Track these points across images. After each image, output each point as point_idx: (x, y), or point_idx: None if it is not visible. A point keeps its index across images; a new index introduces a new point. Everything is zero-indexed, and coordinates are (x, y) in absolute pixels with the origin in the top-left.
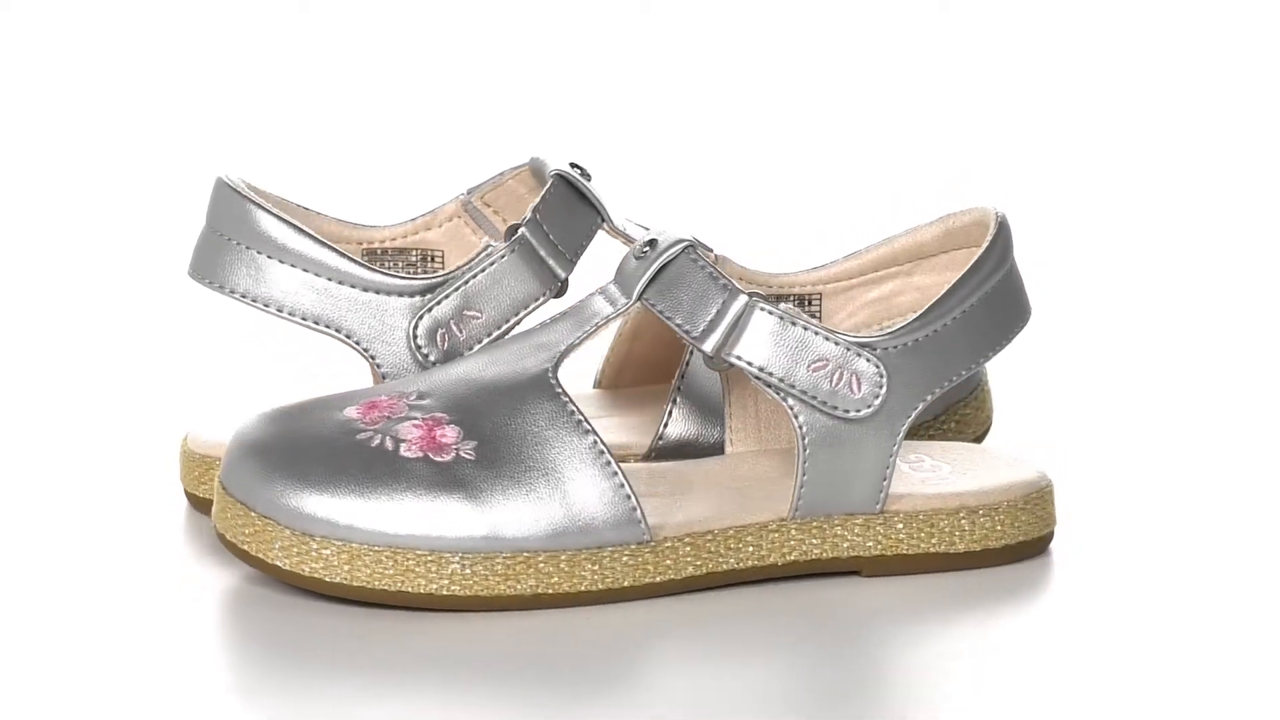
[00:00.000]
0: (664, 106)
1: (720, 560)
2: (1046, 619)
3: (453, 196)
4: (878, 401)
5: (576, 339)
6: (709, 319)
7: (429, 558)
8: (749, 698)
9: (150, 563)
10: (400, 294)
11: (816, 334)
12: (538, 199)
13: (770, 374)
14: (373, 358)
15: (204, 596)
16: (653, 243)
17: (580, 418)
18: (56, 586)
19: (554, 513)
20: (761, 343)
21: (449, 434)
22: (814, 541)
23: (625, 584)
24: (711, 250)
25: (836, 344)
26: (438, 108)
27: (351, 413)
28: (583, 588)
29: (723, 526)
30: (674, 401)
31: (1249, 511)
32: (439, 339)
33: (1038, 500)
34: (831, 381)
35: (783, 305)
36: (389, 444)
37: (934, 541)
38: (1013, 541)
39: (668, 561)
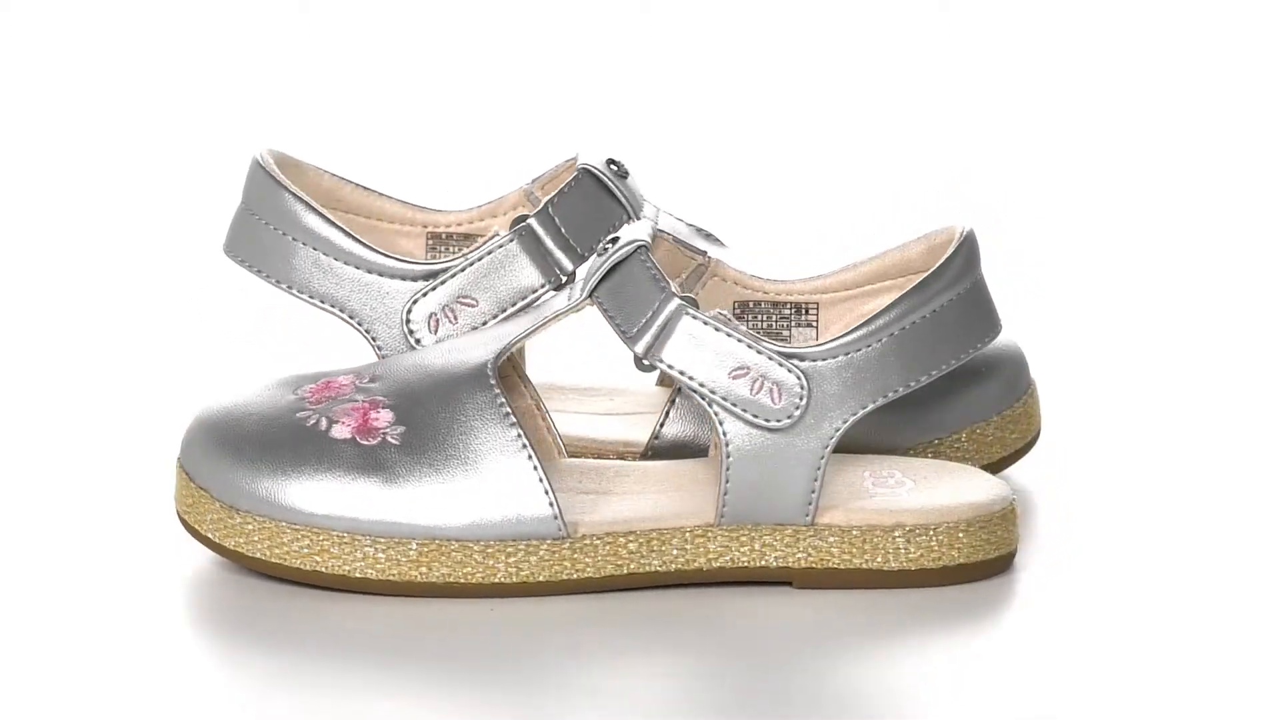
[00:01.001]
0: (663, 106)
1: (643, 562)
2: (985, 643)
3: (516, 186)
4: (797, 413)
5: (523, 333)
6: (644, 321)
7: (344, 539)
8: (642, 699)
9: (130, 540)
10: (403, 277)
11: (739, 341)
12: (555, 191)
13: (692, 379)
14: (373, 340)
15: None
16: (615, 240)
17: (508, 410)
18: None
19: (470, 503)
20: (685, 347)
21: (382, 418)
22: (741, 550)
23: (541, 579)
24: (705, 253)
25: (759, 353)
26: (493, 100)
27: (304, 391)
28: (496, 579)
29: (646, 528)
30: (673, 402)
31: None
32: (431, 324)
33: (987, 523)
34: (751, 390)
35: (714, 311)
36: (323, 424)
37: (865, 558)
38: (951, 564)
39: (585, 559)
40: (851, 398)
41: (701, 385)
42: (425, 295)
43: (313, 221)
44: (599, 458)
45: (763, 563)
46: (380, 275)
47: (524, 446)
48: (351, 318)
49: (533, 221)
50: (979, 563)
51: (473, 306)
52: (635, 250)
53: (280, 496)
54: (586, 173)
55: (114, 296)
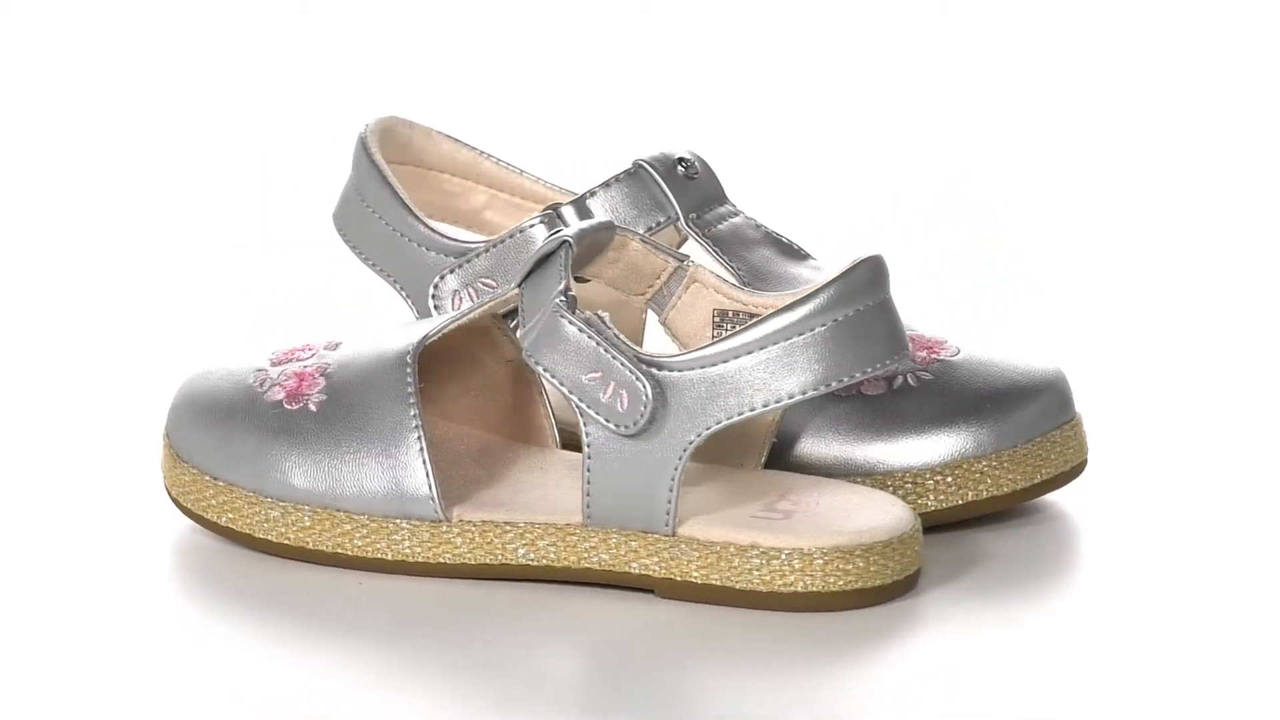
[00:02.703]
0: (663, 106)
1: (514, 553)
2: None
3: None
4: (643, 420)
5: (454, 319)
6: (536, 317)
7: (252, 499)
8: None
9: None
10: (442, 253)
11: (598, 345)
12: (600, 182)
13: (554, 377)
14: (416, 312)
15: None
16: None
17: (411, 393)
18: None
19: (359, 476)
20: (552, 346)
21: (315, 385)
22: (608, 553)
23: (419, 559)
24: (685, 257)
25: (613, 358)
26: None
27: (277, 353)
28: (378, 555)
29: (520, 520)
30: None
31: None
32: (455, 301)
33: (848, 555)
34: (604, 393)
35: (590, 313)
36: (264, 385)
37: (719, 575)
38: (803, 590)
39: (458, 543)
40: (709, 411)
41: (562, 385)
42: (451, 272)
43: (383, 193)
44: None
45: (627, 568)
46: (427, 250)
47: (416, 428)
48: (401, 289)
49: (567, 209)
50: (837, 593)
51: (493, 288)
52: (559, 246)
53: (206, 450)
54: (639, 167)
55: (115, 296)
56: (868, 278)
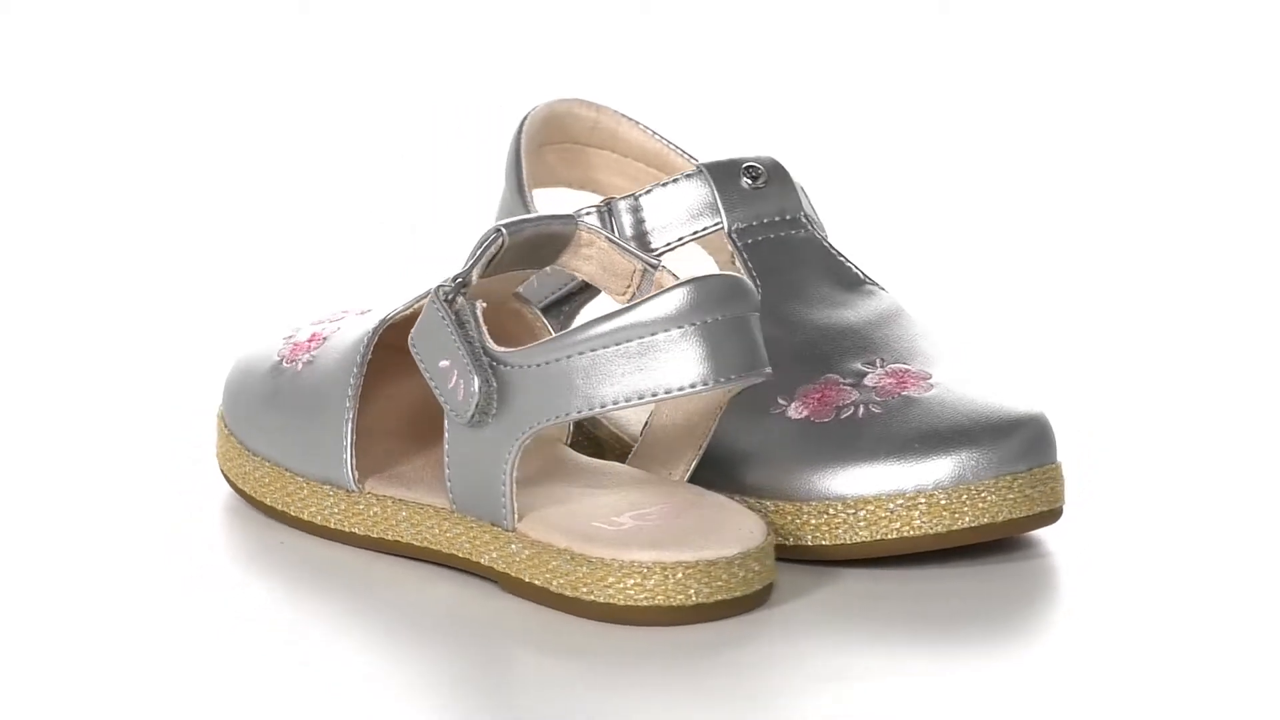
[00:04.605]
0: (662, 106)
1: (403, 530)
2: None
3: None
4: (475, 411)
5: (410, 304)
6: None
7: (238, 450)
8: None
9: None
10: None
11: (451, 335)
12: (661, 182)
13: (420, 361)
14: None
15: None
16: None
17: (358, 363)
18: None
19: (300, 439)
20: (424, 332)
21: (310, 348)
22: (466, 542)
23: (335, 525)
24: (656, 262)
25: (459, 348)
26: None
27: (316, 319)
28: (305, 517)
29: (412, 499)
30: None
31: None
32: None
33: (669, 570)
34: (449, 381)
35: (466, 302)
36: (284, 349)
37: (540, 576)
38: (602, 600)
39: (360, 510)
40: (542, 408)
41: (426, 371)
42: None
43: (508, 184)
44: None
45: (480, 559)
46: None
47: (350, 396)
48: None
49: (622, 203)
50: (662, 607)
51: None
52: (492, 237)
53: (226, 407)
54: (700, 170)
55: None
56: (699, 300)
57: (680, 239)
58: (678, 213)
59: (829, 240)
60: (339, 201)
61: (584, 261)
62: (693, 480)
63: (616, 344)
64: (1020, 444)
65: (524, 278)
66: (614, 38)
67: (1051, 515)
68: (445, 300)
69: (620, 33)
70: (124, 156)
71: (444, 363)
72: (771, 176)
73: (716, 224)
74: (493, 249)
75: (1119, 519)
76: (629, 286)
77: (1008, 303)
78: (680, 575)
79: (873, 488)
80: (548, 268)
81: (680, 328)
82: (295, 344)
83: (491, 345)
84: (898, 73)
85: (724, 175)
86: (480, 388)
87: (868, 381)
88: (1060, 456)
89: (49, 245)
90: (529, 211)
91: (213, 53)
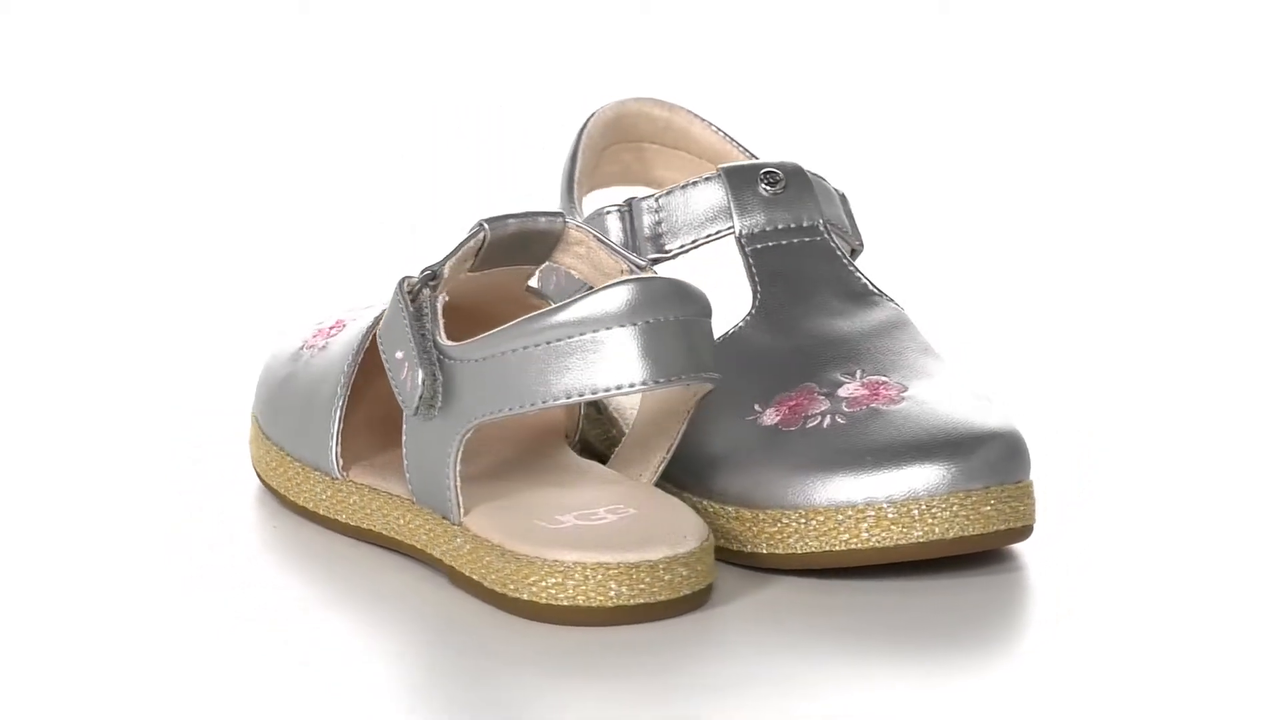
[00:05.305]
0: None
1: (376, 519)
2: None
3: None
4: (419, 404)
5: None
6: None
7: (261, 436)
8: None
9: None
10: None
11: (406, 327)
12: (681, 184)
13: (383, 353)
14: None
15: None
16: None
17: (352, 358)
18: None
19: (297, 424)
20: (384, 324)
21: (329, 335)
22: (423, 532)
23: (321, 511)
24: (642, 265)
25: (411, 340)
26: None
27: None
28: (300, 502)
29: (384, 489)
30: None
31: None
32: None
33: (572, 571)
34: (402, 372)
35: (432, 294)
36: (308, 334)
37: (478, 573)
38: (526, 598)
39: (342, 498)
40: (483, 402)
41: (385, 362)
42: None
43: (563, 172)
44: None
45: (431, 550)
46: None
47: (343, 385)
48: None
49: (642, 204)
50: (596, 608)
51: None
52: (473, 231)
53: (256, 393)
54: (719, 174)
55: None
56: (642, 299)
57: (694, 241)
58: (693, 216)
59: (843, 249)
60: (339, 201)
61: (576, 259)
62: (672, 482)
63: (557, 339)
64: (981, 461)
65: (529, 272)
66: (614, 38)
67: (1015, 534)
68: (407, 292)
69: (620, 33)
70: (123, 157)
71: (399, 354)
72: (791, 183)
73: (728, 228)
74: (472, 243)
75: (1097, 536)
76: None
77: (1008, 303)
78: (600, 576)
79: (823, 498)
80: (548, 265)
81: (623, 326)
82: (319, 330)
83: (442, 339)
84: (897, 73)
85: (741, 180)
86: (424, 380)
87: (841, 392)
88: (1034, 474)
89: (48, 245)
90: (575, 209)
91: (213, 53)
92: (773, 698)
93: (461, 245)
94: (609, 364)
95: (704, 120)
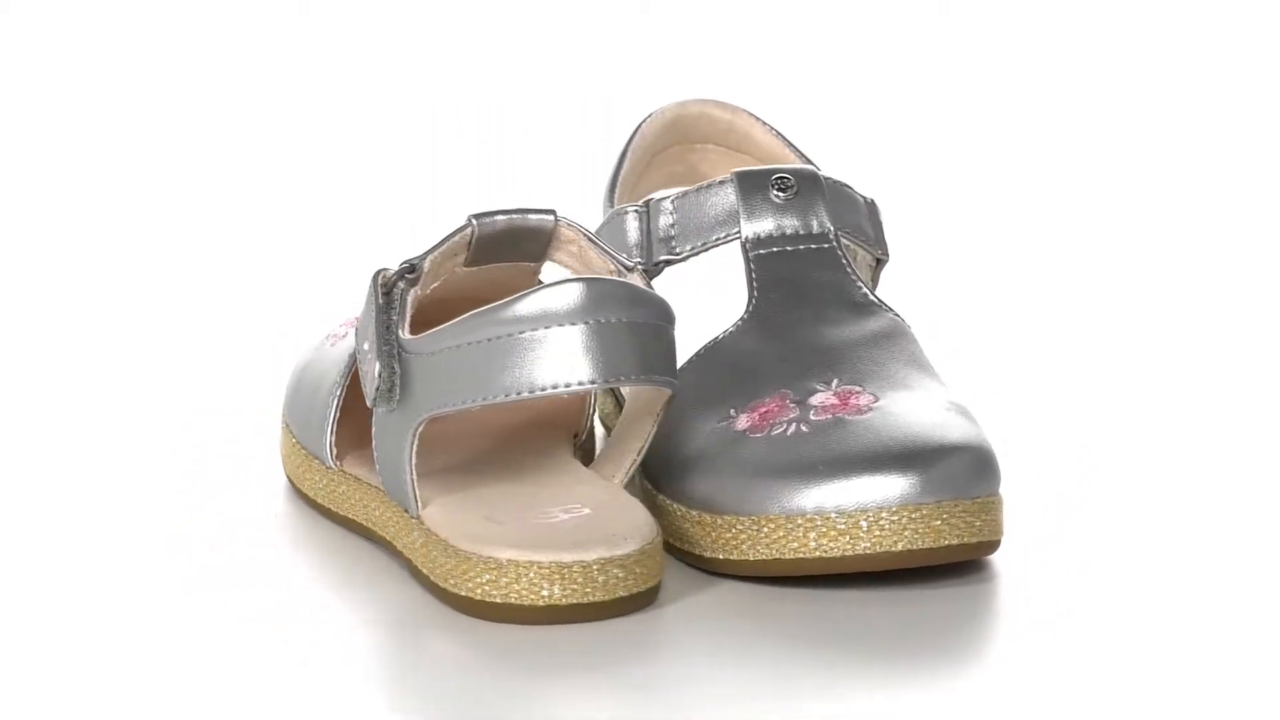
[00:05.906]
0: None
1: (358, 510)
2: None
3: None
4: (376, 396)
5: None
6: None
7: (285, 428)
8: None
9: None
10: None
11: (372, 319)
12: (695, 186)
13: (356, 344)
14: None
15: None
16: None
17: (347, 363)
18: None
19: (304, 412)
20: (361, 316)
21: (350, 325)
22: (391, 525)
23: (318, 500)
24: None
25: (375, 333)
26: None
27: None
28: (303, 489)
29: (366, 480)
30: None
31: None
32: None
33: (506, 569)
34: (366, 363)
35: (406, 289)
36: (336, 325)
37: (427, 568)
38: (463, 594)
39: (334, 488)
40: (435, 396)
41: (357, 352)
42: None
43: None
44: None
45: (396, 543)
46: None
47: (343, 375)
48: None
49: (661, 204)
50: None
51: None
52: (461, 226)
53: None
54: (732, 177)
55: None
56: (596, 299)
57: (703, 244)
58: (705, 219)
59: (851, 258)
60: (338, 202)
61: (569, 258)
62: (651, 482)
63: (508, 335)
64: (940, 475)
65: (531, 269)
66: (613, 38)
67: (975, 548)
68: (380, 285)
69: (620, 32)
70: (126, 157)
71: (366, 345)
72: (802, 189)
73: (735, 232)
74: (459, 237)
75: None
76: None
77: (1007, 303)
78: (533, 575)
79: (776, 506)
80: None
81: (567, 325)
82: (346, 321)
83: (404, 333)
84: (898, 72)
85: (752, 185)
86: (380, 372)
87: (813, 400)
88: (1004, 489)
89: (49, 245)
90: (614, 207)
91: (213, 52)
92: (711, 702)
93: (446, 239)
94: (551, 362)
95: (764, 123)
